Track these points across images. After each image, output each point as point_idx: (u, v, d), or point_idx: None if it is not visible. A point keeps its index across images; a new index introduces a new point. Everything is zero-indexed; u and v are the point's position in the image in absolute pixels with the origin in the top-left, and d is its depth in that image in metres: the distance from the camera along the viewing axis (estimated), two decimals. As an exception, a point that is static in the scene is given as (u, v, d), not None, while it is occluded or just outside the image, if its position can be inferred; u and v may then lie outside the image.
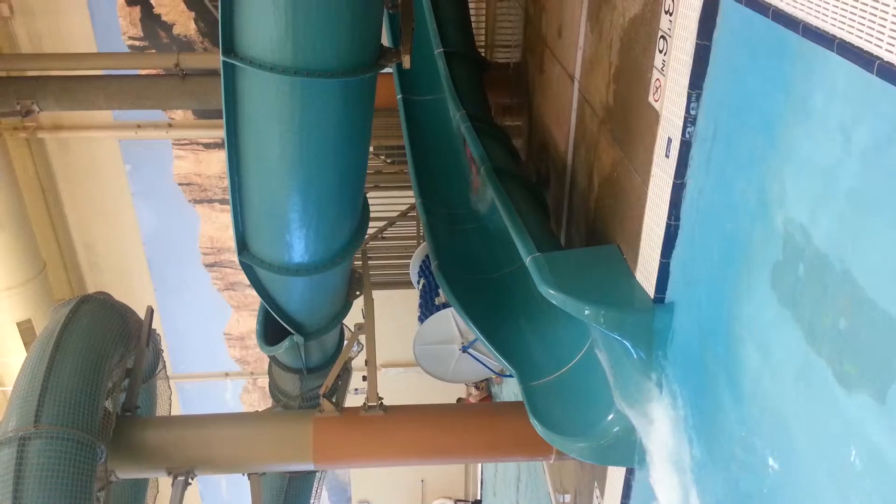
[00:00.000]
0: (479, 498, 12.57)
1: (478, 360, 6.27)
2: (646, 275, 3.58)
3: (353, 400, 6.03)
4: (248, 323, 12.65)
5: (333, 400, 5.34)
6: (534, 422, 4.18)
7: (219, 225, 11.87)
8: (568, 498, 5.96)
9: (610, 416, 3.74)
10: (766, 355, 2.57)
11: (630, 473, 4.11)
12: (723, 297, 2.89)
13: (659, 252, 3.39)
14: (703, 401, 3.13)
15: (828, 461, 2.19)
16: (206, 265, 12.33)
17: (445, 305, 6.18)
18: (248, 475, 5.19)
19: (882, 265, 1.93)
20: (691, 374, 3.24)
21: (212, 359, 13.20)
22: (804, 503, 2.36)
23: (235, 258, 4.42)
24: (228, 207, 4.10)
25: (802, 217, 2.31)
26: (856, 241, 2.06)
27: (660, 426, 3.45)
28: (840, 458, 2.11)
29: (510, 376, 6.00)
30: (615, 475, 4.36)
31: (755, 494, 2.70)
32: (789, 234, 2.40)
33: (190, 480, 4.92)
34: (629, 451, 3.72)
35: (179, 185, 11.54)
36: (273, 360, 6.24)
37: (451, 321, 6.21)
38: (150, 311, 5.69)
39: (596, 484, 4.83)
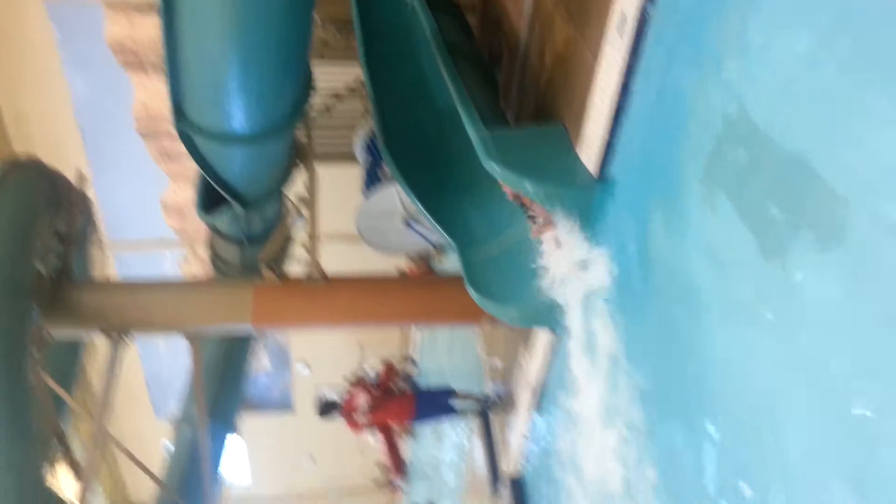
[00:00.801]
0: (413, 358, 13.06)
1: (420, 234, 6.36)
2: (589, 153, 3.63)
3: (295, 270, 6.08)
4: (187, 193, 12.37)
5: (274, 269, 5.38)
6: (470, 289, 4.36)
7: (154, 92, 11.30)
8: (497, 361, 6.31)
9: (541, 286, 3.92)
10: (697, 237, 2.70)
11: (555, 337, 4.38)
12: (662, 178, 2.98)
13: (604, 131, 3.43)
14: (630, 275, 3.30)
15: (743, 325, 2.39)
16: (142, 134, 11.84)
17: (390, 180, 6.16)
18: (188, 337, 5.26)
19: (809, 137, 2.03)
20: (623, 251, 3.38)
21: (149, 229, 12.98)
22: (719, 362, 2.57)
23: (172, 126, 4.25)
24: (164, 74, 3.88)
25: (746, 99, 2.36)
26: (792, 124, 2.14)
27: (586, 299, 3.66)
28: (756, 318, 2.29)
29: (451, 252, 6.14)
30: (542, 339, 4.63)
31: (672, 354, 2.92)
32: (728, 116, 2.46)
33: (126, 340, 4.98)
34: (555, 317, 3.95)
35: (112, 51, 10.83)
36: (212, 229, 6.17)
37: (394, 196, 6.23)
38: (80, 175, 5.49)
39: (523, 347, 5.14)
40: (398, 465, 8.50)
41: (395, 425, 6.84)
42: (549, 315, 4.00)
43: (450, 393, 6.69)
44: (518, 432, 5.59)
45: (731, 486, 2.48)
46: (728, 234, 2.46)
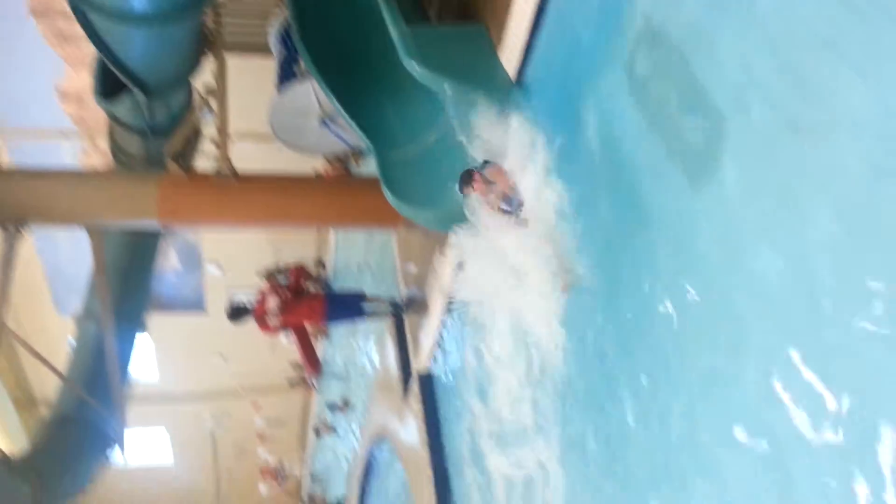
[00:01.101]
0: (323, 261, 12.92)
1: (337, 134, 6.20)
2: (509, 55, 3.58)
3: (205, 166, 5.83)
4: (85, 79, 11.47)
5: (181, 163, 5.14)
6: (385, 191, 4.32)
7: (46, -36, 10.19)
8: (412, 267, 6.39)
9: (455, 189, 3.93)
10: (612, 139, 2.76)
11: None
12: (581, 82, 2.99)
13: (525, 33, 3.38)
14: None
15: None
16: (36, 13, 10.74)
17: (306, 76, 5.90)
18: (88, 231, 5.03)
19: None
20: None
21: (46, 117, 12.05)
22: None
23: (67, 2, 3.88)
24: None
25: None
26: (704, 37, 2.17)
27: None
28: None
29: (368, 154, 6.03)
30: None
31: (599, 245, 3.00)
32: (648, 21, 2.47)
33: (23, 232, 4.71)
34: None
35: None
36: (112, 118, 5.78)
37: (310, 93, 5.99)
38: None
39: (437, 248, 5.21)
40: (313, 364, 8.60)
41: (308, 326, 6.85)
42: (466, 219, 4.03)
43: (360, 296, 6.75)
44: (430, 334, 5.74)
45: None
46: (642, 137, 2.54)
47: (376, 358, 8.41)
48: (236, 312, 6.42)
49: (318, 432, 14.63)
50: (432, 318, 5.65)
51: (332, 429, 13.35)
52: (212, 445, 20.80)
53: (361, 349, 10.08)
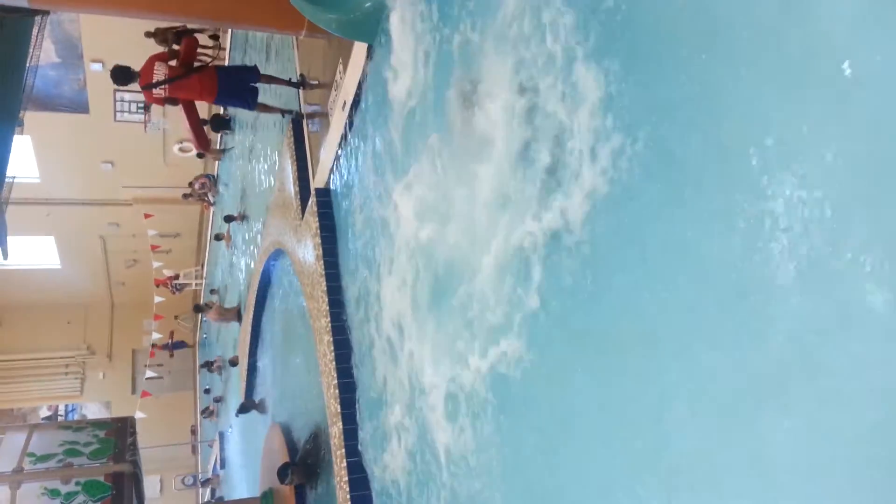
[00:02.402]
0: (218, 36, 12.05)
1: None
2: None
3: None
4: None
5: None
6: (286, -13, 3.99)
7: None
8: (314, 80, 6.08)
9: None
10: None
11: (370, 51, 4.26)
12: None
13: None
14: None
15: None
16: None
17: None
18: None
19: None
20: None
21: None
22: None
23: None
24: None
25: None
26: None
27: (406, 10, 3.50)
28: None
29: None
30: (358, 52, 4.47)
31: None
32: None
33: None
34: (374, 29, 3.79)
35: None
36: None
37: None
38: None
39: (340, 60, 4.97)
40: (201, 140, 8.19)
41: (196, 100, 6.33)
42: (372, 26, 3.82)
43: (252, 70, 6.37)
44: (330, 149, 5.62)
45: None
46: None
47: (273, 177, 8.23)
48: (121, 74, 5.94)
49: (217, 237, 14.68)
50: (332, 134, 5.50)
51: (230, 237, 13.38)
52: (102, 254, 20.34)
53: (259, 168, 9.81)
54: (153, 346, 20.34)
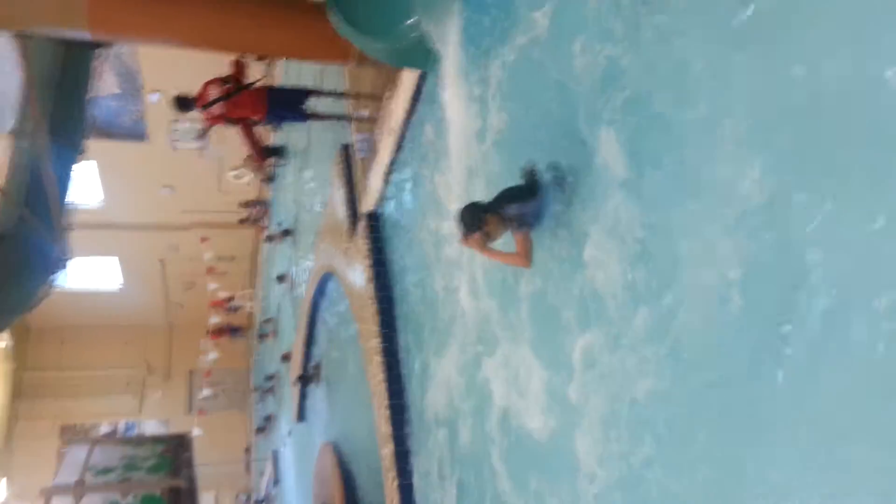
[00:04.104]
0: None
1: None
2: None
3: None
4: None
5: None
6: (335, 18, 4.07)
7: None
8: (363, 111, 6.22)
9: (411, 20, 3.75)
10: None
11: (422, 79, 4.32)
12: None
13: None
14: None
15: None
16: None
17: None
18: (15, 36, 4.66)
19: None
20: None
21: None
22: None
23: None
24: None
25: None
26: None
27: (454, 36, 3.56)
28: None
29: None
30: (408, 80, 4.53)
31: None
32: None
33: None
34: (424, 56, 3.85)
35: None
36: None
37: None
38: None
39: (390, 90, 5.05)
40: (260, 153, 8.53)
41: (250, 117, 6.60)
42: (421, 54, 3.87)
43: (305, 92, 6.58)
44: (378, 175, 5.70)
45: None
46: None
47: (325, 199, 8.38)
48: (181, 102, 6.23)
49: (280, 279, 14.62)
50: (381, 158, 5.58)
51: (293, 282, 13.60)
52: (161, 277, 21.01)
53: (310, 191, 10.01)
54: (208, 332, 20.63)
